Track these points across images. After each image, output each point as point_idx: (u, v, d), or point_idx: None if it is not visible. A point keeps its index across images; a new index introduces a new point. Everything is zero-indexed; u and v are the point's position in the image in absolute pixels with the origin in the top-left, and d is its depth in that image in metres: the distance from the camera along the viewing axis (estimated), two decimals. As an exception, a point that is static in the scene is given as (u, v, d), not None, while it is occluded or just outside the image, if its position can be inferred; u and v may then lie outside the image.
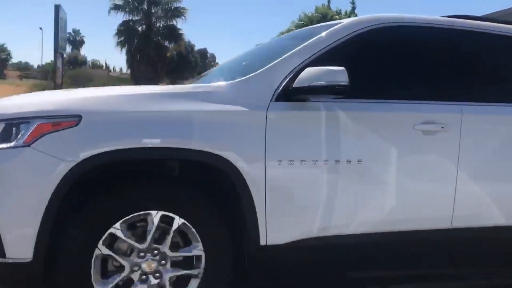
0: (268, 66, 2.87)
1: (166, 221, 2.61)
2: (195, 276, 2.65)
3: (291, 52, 2.93)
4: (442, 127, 3.00)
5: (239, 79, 2.84)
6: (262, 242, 2.71)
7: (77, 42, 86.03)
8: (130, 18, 36.90)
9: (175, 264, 2.64)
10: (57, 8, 18.22)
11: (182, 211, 2.61)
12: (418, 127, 2.95)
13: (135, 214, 2.54)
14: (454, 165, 3.03)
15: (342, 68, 2.65)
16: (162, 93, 2.73)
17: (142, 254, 2.56)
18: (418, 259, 3.18)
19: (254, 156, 2.65)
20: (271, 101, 2.74)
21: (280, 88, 2.78)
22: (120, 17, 36.67)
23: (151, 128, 2.53)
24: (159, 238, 2.61)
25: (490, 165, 3.13)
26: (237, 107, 2.68)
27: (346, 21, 3.13)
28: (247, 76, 2.84)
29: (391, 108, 2.95)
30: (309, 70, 2.72)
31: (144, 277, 2.57)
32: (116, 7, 36.17)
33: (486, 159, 3.13)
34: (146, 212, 2.56)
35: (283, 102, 2.76)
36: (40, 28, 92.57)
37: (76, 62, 69.32)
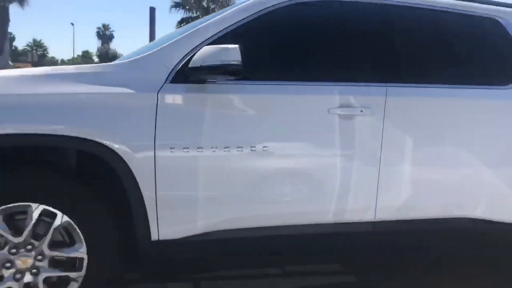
0: (164, 45, 2.62)
1: (49, 216, 2.39)
2: (74, 280, 2.43)
3: (193, 29, 2.68)
4: (361, 111, 2.73)
5: (130, 59, 2.59)
6: (154, 237, 2.48)
7: (106, 36, 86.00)
8: (189, 15, 36.15)
9: (56, 264, 2.42)
10: (153, 10, 18.54)
11: (64, 206, 2.38)
12: (333, 111, 2.69)
13: (12, 205, 2.32)
14: (377, 153, 2.76)
15: (236, 46, 2.40)
16: (41, 75, 2.49)
17: (16, 249, 2.34)
18: (341, 253, 2.94)
19: (142, 144, 2.42)
20: (165, 82, 2.50)
21: (178, 69, 2.53)
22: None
23: (26, 112, 2.30)
24: (40, 234, 2.38)
25: (418, 153, 2.86)
26: (124, 89, 2.43)
27: None
28: (139, 56, 2.60)
29: (302, 90, 2.69)
30: (205, 49, 2.47)
31: (18, 275, 2.36)
32: (176, 5, 36.02)
33: (414, 145, 2.85)
34: (25, 204, 2.34)
35: (179, 84, 2.51)
36: (72, 24, 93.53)
37: (107, 56, 69.20)
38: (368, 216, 2.81)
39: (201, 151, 2.49)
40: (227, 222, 2.58)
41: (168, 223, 2.49)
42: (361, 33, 2.90)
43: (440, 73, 3.02)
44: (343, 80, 2.78)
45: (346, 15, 2.91)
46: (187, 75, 2.51)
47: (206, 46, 2.49)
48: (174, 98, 2.48)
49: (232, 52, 2.38)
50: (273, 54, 2.76)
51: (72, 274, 2.42)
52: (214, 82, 2.54)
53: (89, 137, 2.32)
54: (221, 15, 2.72)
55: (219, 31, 2.63)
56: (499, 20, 3.22)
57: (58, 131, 2.30)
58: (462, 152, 2.94)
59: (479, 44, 3.17)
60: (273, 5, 2.74)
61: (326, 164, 2.71)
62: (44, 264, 2.38)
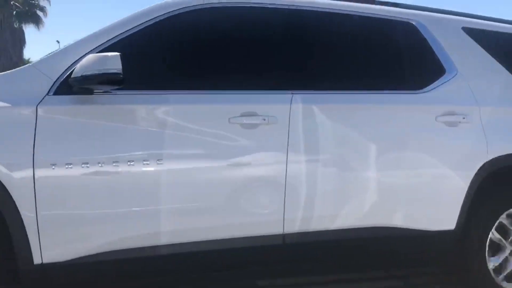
0: (48, 55, 2.47)
1: None
2: None
3: (82, 38, 2.53)
4: (264, 119, 2.61)
5: (12, 70, 2.44)
6: (37, 260, 2.31)
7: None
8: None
9: None
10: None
11: None
12: (235, 120, 2.56)
13: None
14: (282, 163, 2.64)
15: (116, 54, 2.27)
16: None
17: None
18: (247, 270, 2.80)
19: (18, 162, 2.25)
20: (47, 94, 2.34)
21: (62, 79, 2.38)
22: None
23: None
24: None
25: (327, 161, 2.74)
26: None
27: (156, 4, 2.70)
28: (22, 67, 2.45)
29: (198, 100, 2.56)
30: (88, 58, 2.34)
31: None
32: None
33: (322, 154, 2.73)
34: None
35: (63, 96, 2.36)
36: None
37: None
38: (277, 229, 2.67)
39: (87, 167, 2.33)
40: (118, 242, 2.41)
41: (52, 244, 2.32)
42: (265, 39, 2.79)
43: (351, 79, 2.92)
44: (246, 88, 2.66)
45: (247, 20, 2.79)
46: (70, 86, 2.36)
47: (90, 55, 2.35)
48: (55, 110, 2.33)
49: (112, 60, 2.25)
50: (169, 62, 2.64)
51: None
52: (106, 92, 2.40)
53: None
54: (111, 24, 2.58)
55: (109, 39, 2.50)
56: (413, 23, 3.15)
57: None
58: (376, 159, 2.84)
59: (393, 48, 3.09)
60: (164, 14, 2.61)
61: (229, 176, 2.58)
62: None
